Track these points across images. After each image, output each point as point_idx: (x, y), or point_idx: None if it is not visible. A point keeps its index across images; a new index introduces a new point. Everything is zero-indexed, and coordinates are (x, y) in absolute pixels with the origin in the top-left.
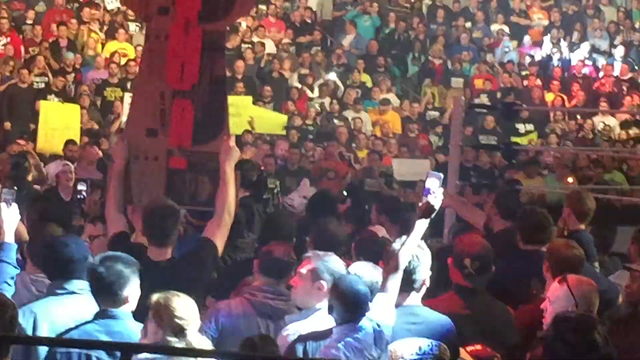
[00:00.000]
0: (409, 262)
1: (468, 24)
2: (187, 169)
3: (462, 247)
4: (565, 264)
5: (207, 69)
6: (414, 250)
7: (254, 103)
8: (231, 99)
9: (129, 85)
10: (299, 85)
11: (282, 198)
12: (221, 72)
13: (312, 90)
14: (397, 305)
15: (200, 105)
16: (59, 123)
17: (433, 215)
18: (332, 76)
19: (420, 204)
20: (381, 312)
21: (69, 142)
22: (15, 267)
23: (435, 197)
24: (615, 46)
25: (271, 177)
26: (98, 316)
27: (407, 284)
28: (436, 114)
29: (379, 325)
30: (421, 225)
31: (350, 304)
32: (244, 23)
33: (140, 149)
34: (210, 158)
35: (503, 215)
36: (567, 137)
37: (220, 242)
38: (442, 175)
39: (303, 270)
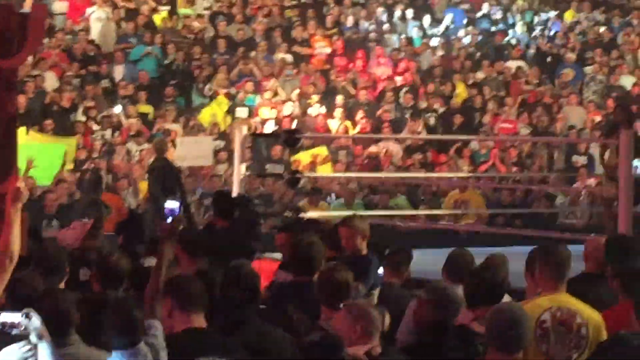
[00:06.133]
0: None
1: (252, 53)
2: None
3: None
4: (333, 290)
5: (1, 107)
6: None
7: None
8: None
9: None
10: (84, 119)
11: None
12: (13, 110)
13: (97, 123)
14: None
15: None
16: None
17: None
18: (118, 109)
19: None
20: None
21: None
22: None
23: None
24: None
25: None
26: None
27: None
28: (222, 143)
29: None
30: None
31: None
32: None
33: None
34: (1, 200)
35: (220, 214)
36: (353, 163)
37: None
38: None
39: None
